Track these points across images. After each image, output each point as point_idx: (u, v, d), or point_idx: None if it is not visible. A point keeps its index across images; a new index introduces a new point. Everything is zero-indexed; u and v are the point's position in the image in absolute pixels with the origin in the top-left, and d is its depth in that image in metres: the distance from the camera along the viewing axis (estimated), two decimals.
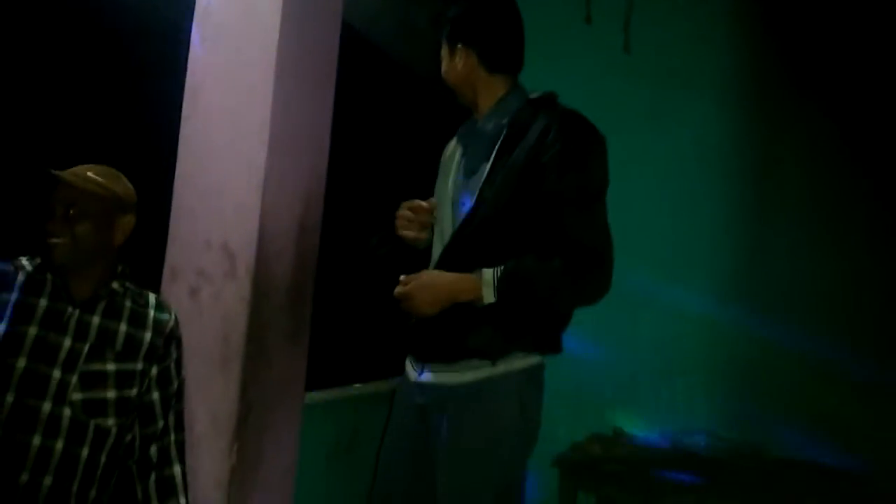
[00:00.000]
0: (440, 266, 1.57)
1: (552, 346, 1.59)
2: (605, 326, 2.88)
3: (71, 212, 1.33)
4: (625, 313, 2.89)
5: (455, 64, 1.64)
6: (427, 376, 1.59)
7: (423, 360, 1.61)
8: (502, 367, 1.52)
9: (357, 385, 2.39)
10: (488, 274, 1.46)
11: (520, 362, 1.54)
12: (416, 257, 1.70)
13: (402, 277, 1.55)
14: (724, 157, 3.00)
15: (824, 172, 2.83)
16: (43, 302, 1.32)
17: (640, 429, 2.89)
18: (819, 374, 2.69)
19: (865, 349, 2.64)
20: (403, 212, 1.69)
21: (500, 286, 1.45)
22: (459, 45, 1.63)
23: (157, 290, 1.64)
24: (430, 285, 1.50)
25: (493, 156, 1.55)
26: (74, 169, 1.38)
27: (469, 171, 1.61)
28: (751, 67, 3.01)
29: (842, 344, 2.67)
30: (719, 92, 3.02)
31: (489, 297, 1.46)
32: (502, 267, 1.47)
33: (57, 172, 1.33)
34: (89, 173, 1.38)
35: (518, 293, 1.46)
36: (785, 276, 2.84)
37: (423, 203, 1.66)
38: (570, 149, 1.48)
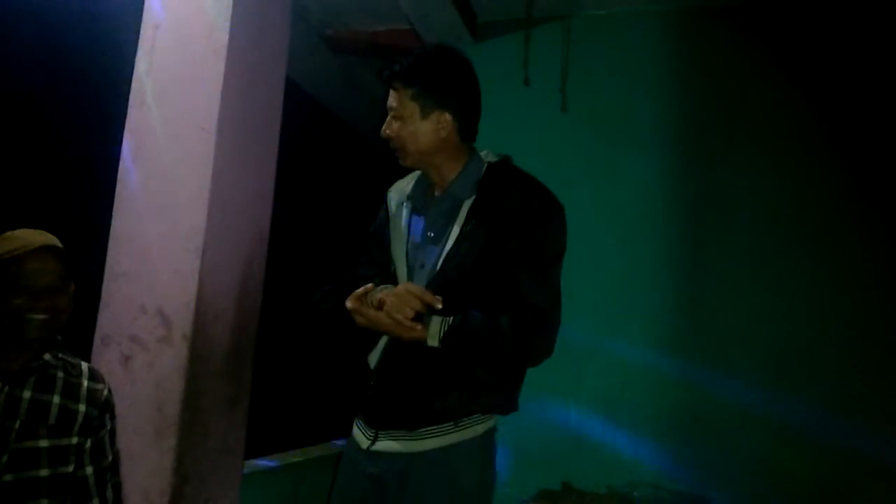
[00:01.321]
0: None
1: (511, 405, 1.59)
2: (549, 380, 2.89)
3: (59, 284, 1.29)
4: (569, 367, 2.91)
5: (430, 128, 1.56)
6: (383, 444, 1.54)
7: (379, 427, 1.56)
8: (466, 433, 1.50)
9: (297, 451, 2.31)
10: (435, 325, 1.46)
11: (481, 426, 1.52)
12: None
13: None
14: (662, 208, 3.11)
15: (762, 220, 2.95)
16: None
17: (587, 483, 2.88)
18: (762, 425, 2.75)
19: (808, 398, 2.71)
20: (411, 298, 1.47)
21: (446, 339, 1.45)
22: (441, 112, 1.55)
23: (86, 358, 1.56)
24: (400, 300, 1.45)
25: (460, 220, 1.54)
26: (39, 237, 1.31)
27: (430, 234, 1.60)
28: (681, 119, 3.16)
29: (785, 394, 2.74)
30: (653, 146, 3.15)
31: (433, 343, 1.45)
32: (451, 319, 1.46)
33: (47, 243, 1.28)
34: (56, 242, 1.32)
35: (462, 348, 1.46)
36: (726, 326, 2.91)
37: (437, 302, 1.46)
38: (531, 214, 1.51)
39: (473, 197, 1.56)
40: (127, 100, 1.78)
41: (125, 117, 1.78)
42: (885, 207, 2.75)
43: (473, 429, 1.51)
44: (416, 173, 1.69)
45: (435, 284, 1.52)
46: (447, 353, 1.46)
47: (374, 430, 1.55)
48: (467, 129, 1.61)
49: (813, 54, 2.93)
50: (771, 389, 2.77)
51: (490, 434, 1.55)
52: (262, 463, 2.05)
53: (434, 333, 1.45)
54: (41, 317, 1.27)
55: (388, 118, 1.59)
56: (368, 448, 1.54)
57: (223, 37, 1.71)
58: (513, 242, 1.49)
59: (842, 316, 2.78)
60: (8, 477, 1.22)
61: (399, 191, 1.72)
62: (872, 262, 2.76)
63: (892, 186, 2.75)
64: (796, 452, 2.69)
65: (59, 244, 1.33)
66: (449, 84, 1.56)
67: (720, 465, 2.80)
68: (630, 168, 3.15)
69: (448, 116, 1.56)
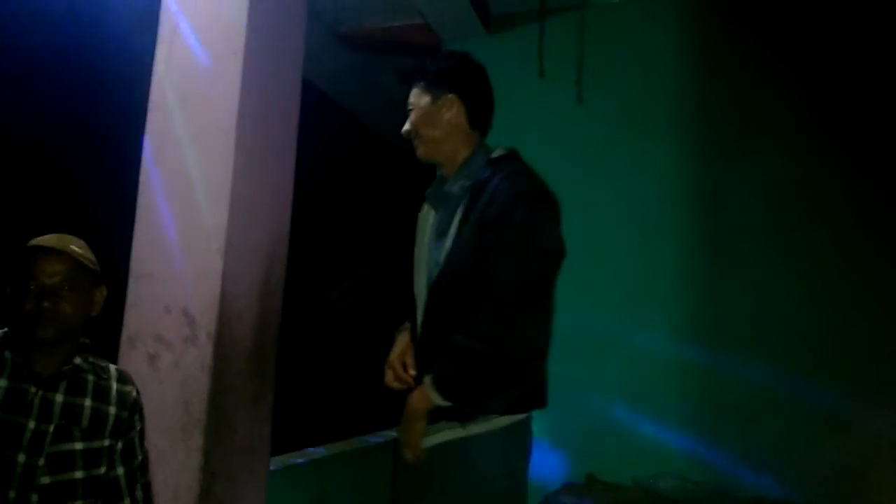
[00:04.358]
0: (423, 325, 1.56)
1: (536, 402, 1.57)
2: (571, 372, 2.88)
3: (66, 287, 1.29)
4: (590, 357, 2.90)
5: (440, 113, 1.60)
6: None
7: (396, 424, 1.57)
8: (489, 424, 1.48)
9: (322, 447, 2.33)
10: (427, 380, 1.47)
11: (506, 418, 1.50)
12: (379, 311, 1.68)
13: None
14: (680, 199, 3.08)
15: (781, 208, 2.92)
16: (3, 382, 1.26)
17: (612, 475, 2.87)
18: (786, 412, 2.72)
19: (832, 384, 2.68)
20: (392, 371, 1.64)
21: (442, 392, 1.45)
22: (450, 95, 1.60)
23: (113, 359, 1.59)
24: (404, 426, 1.50)
25: (457, 217, 1.55)
26: (55, 240, 1.32)
27: (440, 232, 1.61)
28: (698, 109, 3.13)
29: (808, 380, 2.71)
30: (670, 136, 3.12)
31: (438, 400, 1.45)
32: (428, 379, 1.46)
33: (56, 245, 1.29)
34: (72, 245, 1.33)
35: (461, 390, 1.46)
36: (747, 314, 2.88)
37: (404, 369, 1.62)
38: (509, 202, 1.48)
39: (469, 194, 1.56)
40: (146, 103, 1.80)
41: (145, 120, 1.80)
42: None
43: (497, 420, 1.50)
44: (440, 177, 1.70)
45: (439, 283, 1.53)
46: (460, 400, 1.46)
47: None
48: (477, 116, 1.65)
49: (832, 42, 2.88)
50: (794, 376, 2.74)
51: (518, 425, 1.53)
52: (289, 460, 2.06)
53: (428, 387, 1.46)
54: (41, 317, 1.26)
55: (408, 117, 1.65)
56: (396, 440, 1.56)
57: (240, 38, 1.72)
58: (488, 231, 1.48)
59: (864, 300, 2.74)
60: (46, 479, 1.24)
61: (427, 198, 1.74)
62: None
63: None
64: (821, 438, 2.66)
65: (76, 250, 1.32)
66: (454, 71, 1.64)
67: (745, 453, 2.78)
68: (647, 159, 3.13)
69: (455, 97, 1.61)
